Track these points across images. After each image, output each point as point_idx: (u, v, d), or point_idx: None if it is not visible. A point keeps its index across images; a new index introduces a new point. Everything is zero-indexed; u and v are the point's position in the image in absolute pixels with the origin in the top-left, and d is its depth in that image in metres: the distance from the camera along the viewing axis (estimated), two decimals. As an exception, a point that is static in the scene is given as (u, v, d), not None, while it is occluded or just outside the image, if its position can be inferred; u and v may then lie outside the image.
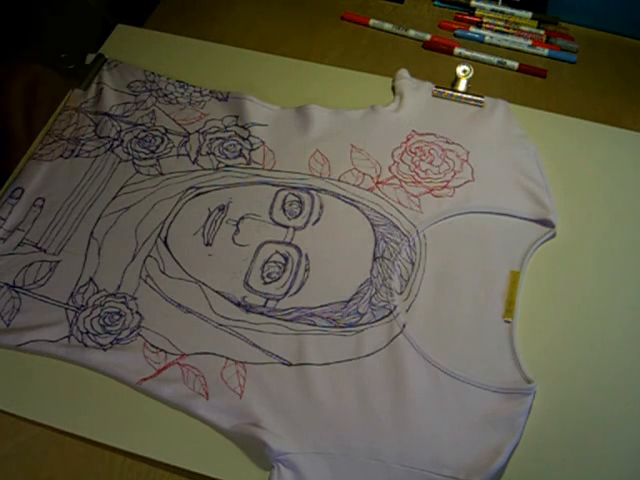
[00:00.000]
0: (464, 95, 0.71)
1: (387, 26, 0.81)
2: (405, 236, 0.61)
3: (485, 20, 0.82)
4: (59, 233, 0.62)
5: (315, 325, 0.56)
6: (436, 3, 0.85)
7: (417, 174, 0.65)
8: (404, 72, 0.73)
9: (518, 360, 0.54)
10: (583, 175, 0.66)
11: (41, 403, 0.54)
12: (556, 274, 0.60)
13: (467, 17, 0.83)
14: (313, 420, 0.51)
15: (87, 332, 0.56)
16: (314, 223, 0.62)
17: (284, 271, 0.59)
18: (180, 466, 0.50)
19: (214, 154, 0.67)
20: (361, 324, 0.56)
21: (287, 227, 0.62)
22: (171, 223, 0.63)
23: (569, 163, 0.67)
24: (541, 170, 0.65)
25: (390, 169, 0.66)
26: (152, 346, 0.56)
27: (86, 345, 0.56)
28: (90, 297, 0.58)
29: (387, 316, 0.56)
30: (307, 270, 0.59)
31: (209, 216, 0.63)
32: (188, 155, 0.68)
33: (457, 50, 0.78)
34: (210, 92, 0.72)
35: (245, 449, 0.51)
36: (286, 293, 0.58)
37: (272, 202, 0.64)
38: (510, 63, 0.77)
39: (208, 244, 0.61)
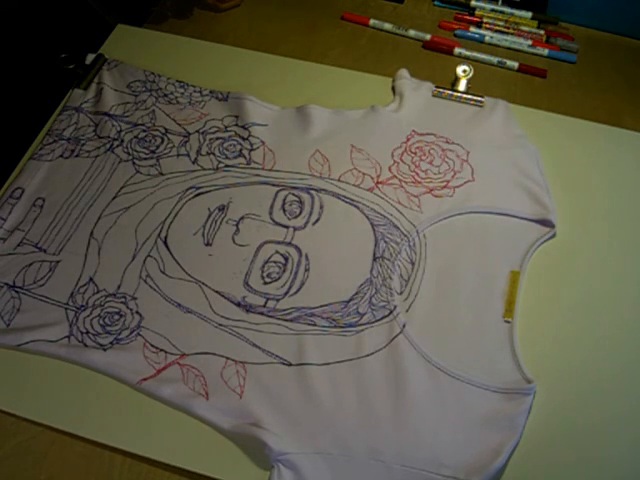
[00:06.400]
0: (464, 95, 0.71)
1: (387, 26, 0.81)
2: (405, 236, 0.61)
3: (485, 20, 0.82)
4: (59, 233, 0.62)
5: (315, 325, 0.56)
6: (436, 3, 0.85)
7: (417, 174, 0.65)
8: (404, 72, 0.73)
9: (518, 360, 0.54)
10: (583, 175, 0.66)
11: (41, 403, 0.53)
12: (556, 274, 0.60)
13: (467, 17, 0.83)
14: (313, 420, 0.51)
15: (87, 332, 0.56)
16: (314, 223, 0.62)
17: (284, 271, 0.59)
18: (180, 466, 0.50)
19: (214, 154, 0.67)
20: (361, 324, 0.56)
21: (287, 227, 0.62)
22: (171, 223, 0.63)
23: (569, 163, 0.67)
24: (541, 170, 0.65)
25: (390, 169, 0.66)
26: (152, 346, 0.55)
27: (86, 345, 0.56)
28: (90, 297, 0.58)
29: (387, 316, 0.56)
30: (307, 270, 0.59)
31: (209, 216, 0.63)
32: (188, 155, 0.68)
33: (457, 50, 0.78)
34: (210, 92, 0.72)
35: (245, 449, 0.51)
36: (286, 293, 0.58)
37: (272, 202, 0.64)
38: (510, 63, 0.77)
39: (208, 244, 0.61)
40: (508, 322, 0.56)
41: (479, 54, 0.78)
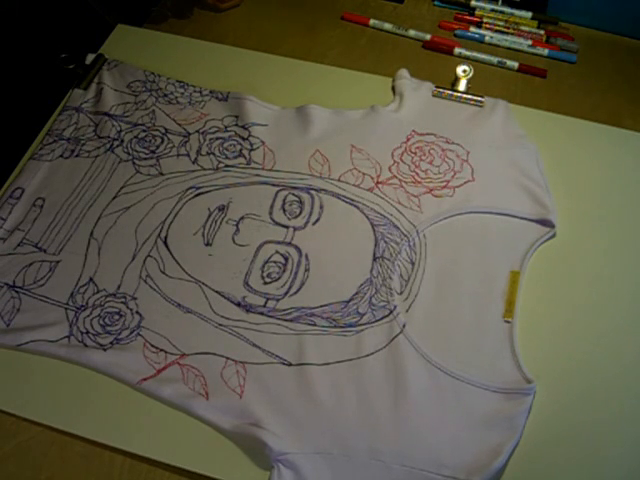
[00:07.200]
0: (464, 95, 0.71)
1: (387, 26, 0.81)
2: (405, 236, 0.61)
3: (485, 20, 0.82)
4: (59, 233, 0.62)
5: (315, 325, 0.56)
6: (436, 3, 0.85)
7: (417, 174, 0.65)
8: (404, 72, 0.73)
9: (518, 360, 0.54)
10: (583, 175, 0.66)
11: (41, 403, 0.53)
12: (556, 274, 0.60)
13: (467, 17, 0.83)
14: (313, 420, 0.51)
15: (87, 332, 0.56)
16: (314, 223, 0.62)
17: (284, 271, 0.59)
18: (180, 466, 0.50)
19: (214, 154, 0.67)
20: (361, 324, 0.56)
21: (287, 227, 0.62)
22: (171, 223, 0.63)
23: (569, 163, 0.67)
24: (541, 170, 0.65)
25: (390, 169, 0.66)
26: (152, 346, 0.55)
27: (86, 345, 0.56)
28: (90, 297, 0.58)
29: (387, 316, 0.56)
30: (307, 270, 0.59)
31: (209, 216, 0.63)
32: (188, 155, 0.68)
33: (457, 50, 0.78)
34: (210, 92, 0.72)
35: (245, 449, 0.51)
36: (286, 293, 0.58)
37: (272, 202, 0.64)
38: (510, 63, 0.77)
39: (208, 244, 0.61)
40: (508, 322, 0.56)
41: (479, 54, 0.78)
